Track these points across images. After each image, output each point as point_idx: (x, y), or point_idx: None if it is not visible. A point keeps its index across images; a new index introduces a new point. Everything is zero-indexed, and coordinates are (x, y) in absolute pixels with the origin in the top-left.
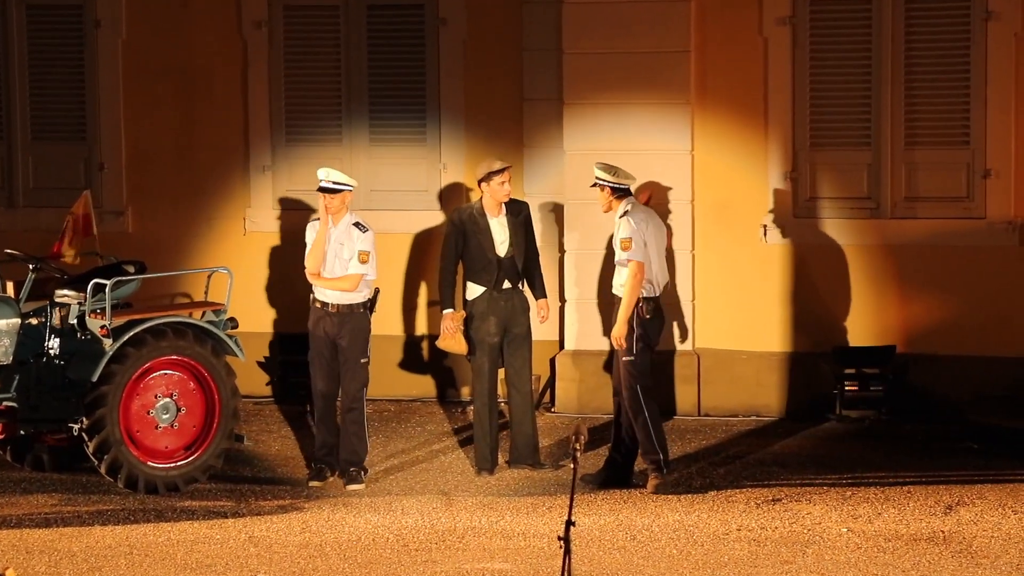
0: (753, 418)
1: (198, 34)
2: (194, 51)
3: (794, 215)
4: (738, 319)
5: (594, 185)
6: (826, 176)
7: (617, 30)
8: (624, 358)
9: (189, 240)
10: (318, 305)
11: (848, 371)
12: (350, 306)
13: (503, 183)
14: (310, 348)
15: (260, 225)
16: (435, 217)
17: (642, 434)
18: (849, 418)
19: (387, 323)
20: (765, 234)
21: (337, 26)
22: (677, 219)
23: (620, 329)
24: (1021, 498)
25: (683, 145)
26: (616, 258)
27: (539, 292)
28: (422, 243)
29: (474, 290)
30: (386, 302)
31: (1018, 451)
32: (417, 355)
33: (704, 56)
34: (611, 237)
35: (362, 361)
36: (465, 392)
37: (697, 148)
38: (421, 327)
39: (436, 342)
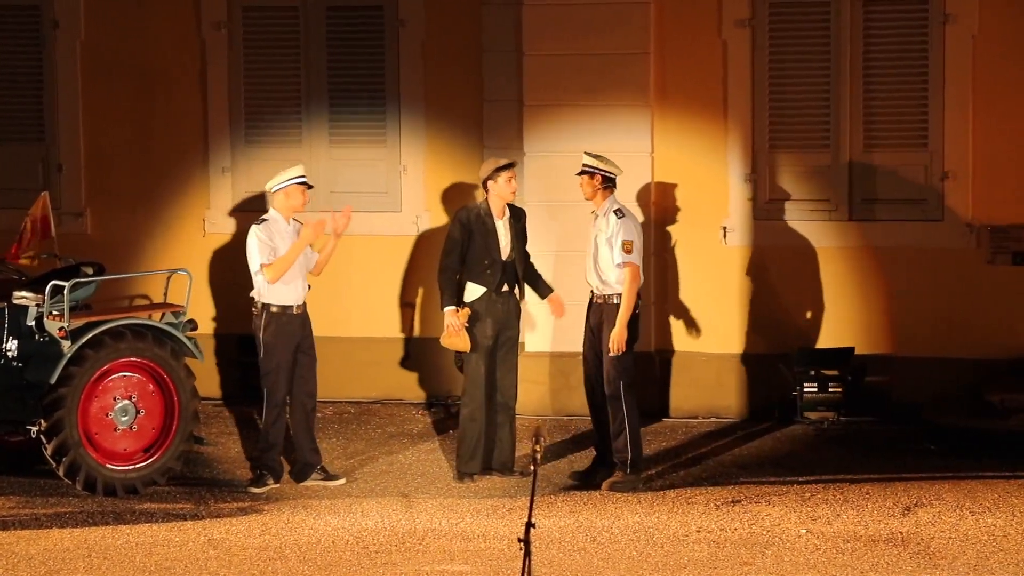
0: (713, 419)
1: (157, 35)
2: (153, 52)
3: (754, 217)
4: (698, 321)
5: (582, 172)
6: (786, 178)
7: (577, 32)
8: (612, 355)
9: (148, 241)
10: (274, 310)
11: (807, 372)
12: (304, 304)
13: (510, 180)
14: (273, 357)
15: (219, 226)
16: (395, 219)
17: (617, 431)
18: (808, 419)
19: (347, 325)
20: (725, 236)
21: (296, 27)
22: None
23: (621, 333)
24: (979, 499)
25: (643, 147)
26: (616, 259)
27: (546, 290)
28: (381, 245)
29: (473, 291)
30: (347, 303)
31: (976, 452)
32: (378, 356)
33: (664, 58)
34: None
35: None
36: (421, 394)
37: (657, 150)
38: (381, 329)
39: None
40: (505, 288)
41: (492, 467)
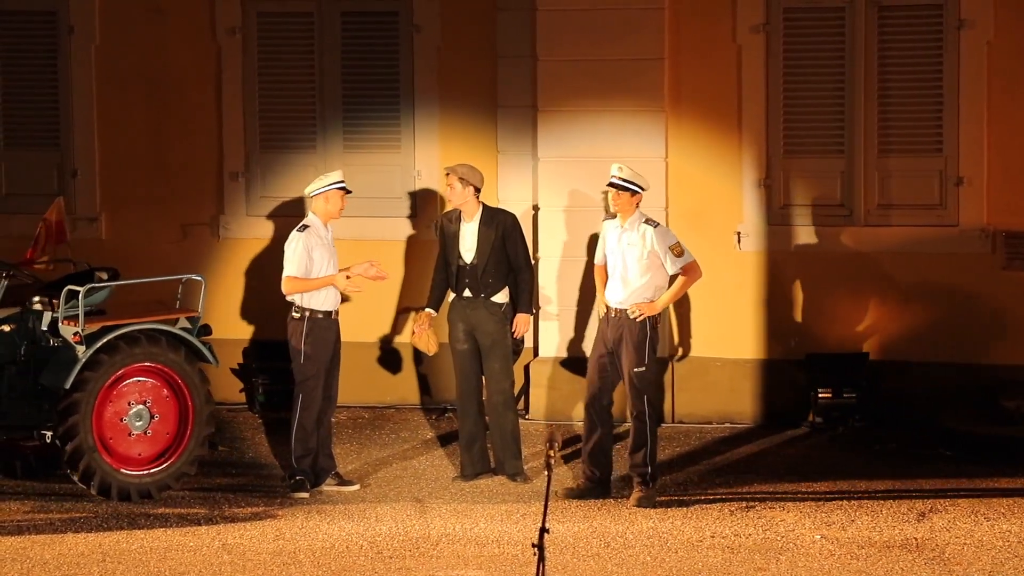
0: (727, 425)
1: (172, 40)
2: (168, 57)
3: (768, 222)
4: (712, 326)
5: (621, 188)
6: (800, 183)
7: (591, 37)
8: (636, 369)
9: (162, 247)
10: (320, 316)
11: (821, 378)
12: (337, 311)
13: (448, 187)
14: (313, 363)
15: (233, 232)
16: (409, 224)
17: (638, 445)
18: (822, 425)
19: (361, 330)
20: (739, 241)
21: (311, 33)
22: None
23: (657, 307)
24: (993, 505)
25: (657, 152)
26: (670, 268)
27: (519, 306)
28: (396, 250)
29: (450, 295)
30: (360, 309)
31: (990, 458)
32: (392, 362)
33: (678, 63)
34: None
35: None
36: (435, 400)
37: (671, 155)
38: (396, 334)
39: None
40: (468, 293)
41: (498, 469)
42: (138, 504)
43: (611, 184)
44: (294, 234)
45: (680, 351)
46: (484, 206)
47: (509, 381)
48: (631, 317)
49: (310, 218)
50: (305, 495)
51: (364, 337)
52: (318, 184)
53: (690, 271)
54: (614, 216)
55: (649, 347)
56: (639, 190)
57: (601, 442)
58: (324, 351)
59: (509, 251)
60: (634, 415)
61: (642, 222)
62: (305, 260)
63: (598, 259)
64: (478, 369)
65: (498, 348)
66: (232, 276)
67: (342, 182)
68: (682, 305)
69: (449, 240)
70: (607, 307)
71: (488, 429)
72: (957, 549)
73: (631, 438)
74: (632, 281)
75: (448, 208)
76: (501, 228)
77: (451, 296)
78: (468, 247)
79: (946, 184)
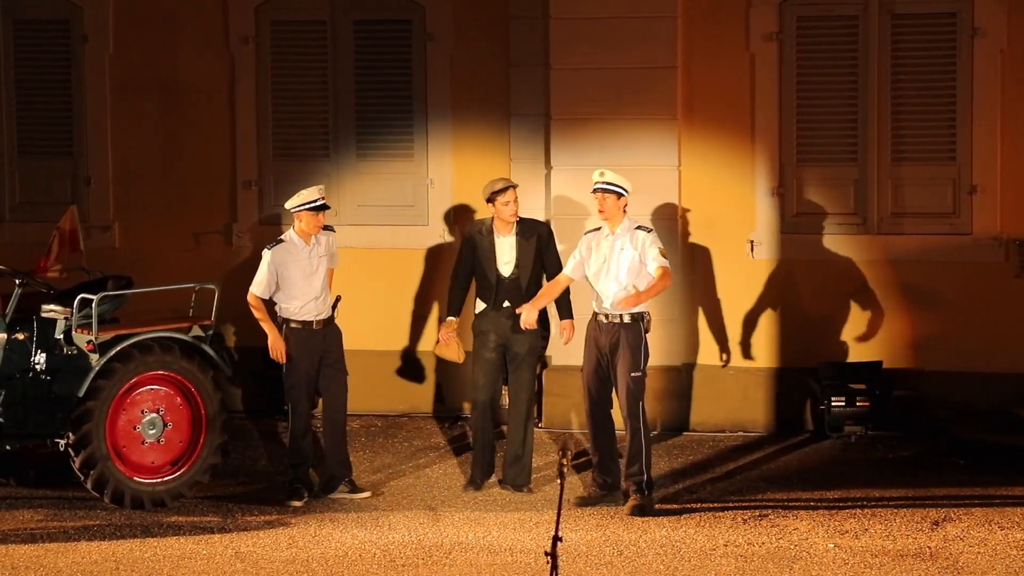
0: (740, 433)
1: (185, 49)
2: (181, 66)
3: (781, 230)
4: (725, 334)
5: (607, 191)
6: (813, 192)
7: (604, 46)
8: (633, 374)
9: (175, 255)
10: (295, 325)
11: (834, 386)
12: (328, 319)
13: (507, 203)
14: (293, 372)
15: (246, 240)
16: (422, 232)
17: (635, 452)
18: (835, 434)
19: (374, 338)
20: (752, 249)
21: (324, 41)
22: (664, 235)
23: (637, 300)
24: (1007, 514)
25: (670, 160)
26: (651, 265)
27: (563, 312)
28: (408, 258)
29: (479, 306)
30: (373, 316)
31: (1004, 467)
32: (405, 370)
33: (691, 72)
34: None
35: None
36: (448, 408)
37: (684, 163)
38: (409, 342)
39: (434, 349)
40: (506, 304)
41: (507, 481)
42: (151, 512)
43: (596, 189)
44: (264, 251)
45: (692, 359)
46: (519, 218)
47: (533, 391)
48: (631, 375)
49: (288, 234)
50: (299, 503)
51: (378, 345)
52: (293, 202)
53: (666, 275)
54: (598, 228)
55: (644, 351)
56: (624, 192)
57: (608, 448)
58: (305, 360)
59: (546, 260)
60: (629, 422)
61: (634, 228)
62: (267, 278)
63: (571, 270)
64: (500, 380)
65: (530, 358)
66: (245, 285)
67: (314, 201)
68: (695, 313)
69: (484, 253)
70: (597, 312)
71: (503, 438)
72: (971, 558)
73: (627, 447)
74: (627, 286)
75: (499, 219)
76: (538, 239)
77: (480, 307)
78: (507, 260)
79: (959, 192)
